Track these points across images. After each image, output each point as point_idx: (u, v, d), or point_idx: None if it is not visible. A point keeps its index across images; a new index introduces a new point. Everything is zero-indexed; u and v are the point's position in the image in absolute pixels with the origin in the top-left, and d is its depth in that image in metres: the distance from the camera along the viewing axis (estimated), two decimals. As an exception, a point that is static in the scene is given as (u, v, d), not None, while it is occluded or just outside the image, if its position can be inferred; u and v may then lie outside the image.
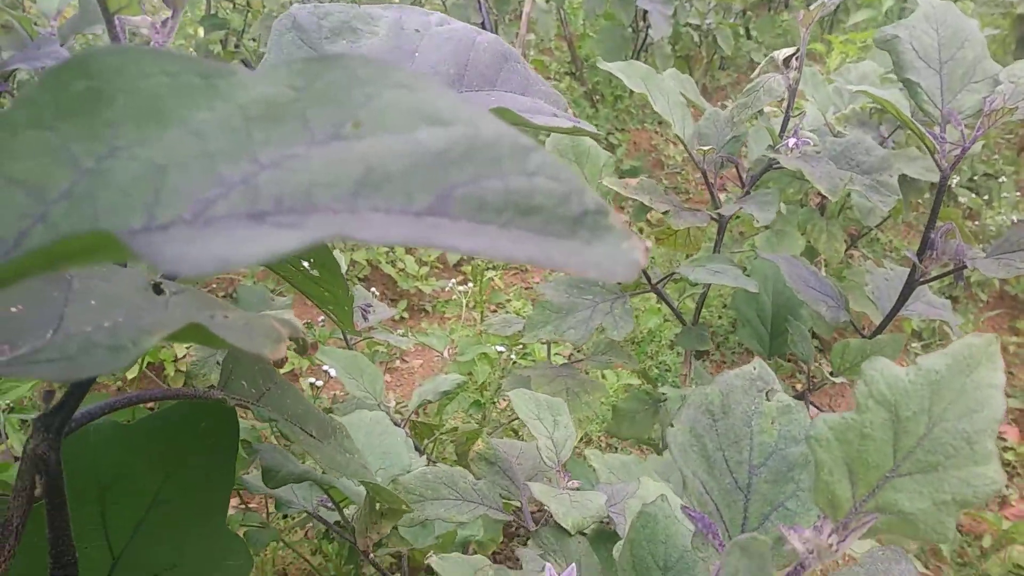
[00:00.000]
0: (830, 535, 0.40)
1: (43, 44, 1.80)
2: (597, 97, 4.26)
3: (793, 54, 1.18)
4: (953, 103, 0.98)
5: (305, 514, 0.94)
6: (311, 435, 0.52)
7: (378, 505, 0.70)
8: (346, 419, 0.86)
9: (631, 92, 4.42)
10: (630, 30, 3.87)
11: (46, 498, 0.40)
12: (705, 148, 1.13)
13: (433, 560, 0.69)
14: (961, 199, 2.45)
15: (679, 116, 1.16)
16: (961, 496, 0.38)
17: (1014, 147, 3.08)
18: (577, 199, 0.24)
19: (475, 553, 0.90)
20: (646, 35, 3.84)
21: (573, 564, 0.62)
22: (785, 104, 1.15)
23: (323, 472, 0.63)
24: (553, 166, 0.25)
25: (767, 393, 0.48)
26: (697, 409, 0.47)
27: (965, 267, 0.95)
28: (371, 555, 0.76)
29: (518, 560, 0.71)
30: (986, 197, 2.69)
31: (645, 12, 3.63)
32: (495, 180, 0.23)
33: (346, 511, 0.87)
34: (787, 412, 0.46)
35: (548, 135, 1.13)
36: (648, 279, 1.24)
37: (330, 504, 0.87)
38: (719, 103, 3.86)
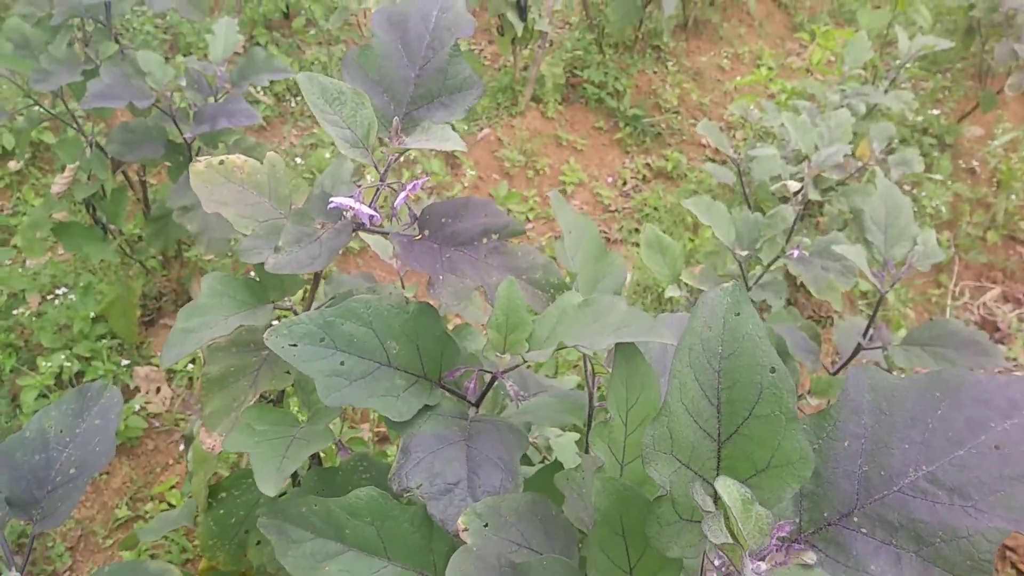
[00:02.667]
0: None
1: (231, 101, 2.38)
2: (606, 44, 4.80)
3: (799, 190, 1.88)
4: (890, 253, 1.71)
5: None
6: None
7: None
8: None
9: (636, 39, 4.96)
10: (639, 1, 4.41)
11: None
12: (742, 253, 1.85)
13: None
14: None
15: (724, 229, 1.87)
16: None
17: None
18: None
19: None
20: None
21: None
22: (791, 226, 1.86)
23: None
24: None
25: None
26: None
27: (887, 348, 1.71)
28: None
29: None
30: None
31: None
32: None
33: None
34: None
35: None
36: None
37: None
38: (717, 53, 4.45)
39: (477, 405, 1.03)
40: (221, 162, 1.11)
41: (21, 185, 3.50)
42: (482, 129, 4.18)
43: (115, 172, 2.49)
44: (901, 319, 3.34)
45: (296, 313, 1.13)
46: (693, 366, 0.64)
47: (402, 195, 0.98)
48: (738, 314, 0.64)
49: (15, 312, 2.74)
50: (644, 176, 4.19)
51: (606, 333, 0.88)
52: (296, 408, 2.14)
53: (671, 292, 1.78)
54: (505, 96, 4.39)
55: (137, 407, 2.56)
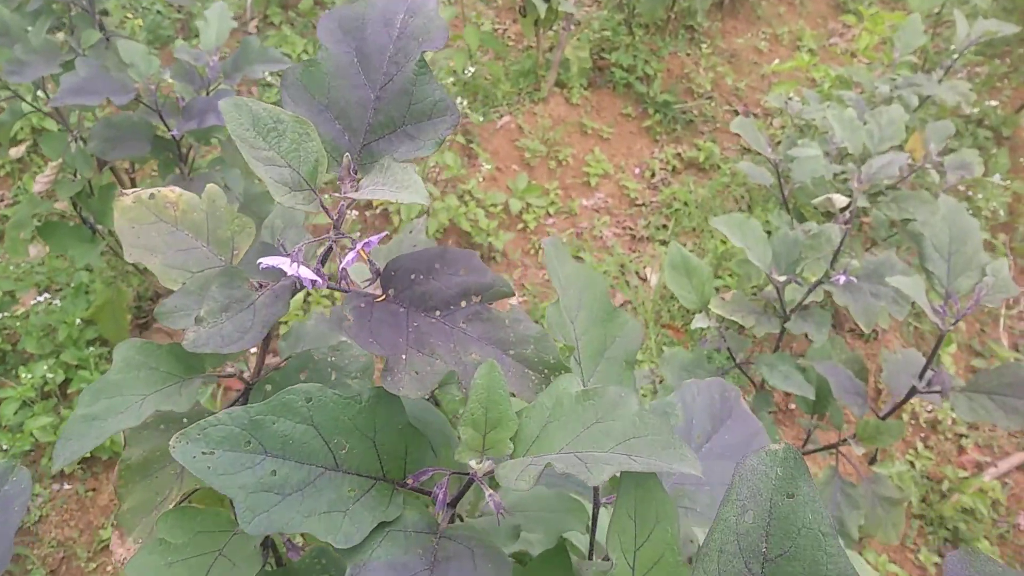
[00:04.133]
0: None
1: (222, 95, 2.19)
2: (636, 25, 4.53)
3: (847, 206, 1.65)
4: (954, 285, 1.48)
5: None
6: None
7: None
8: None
9: (668, 19, 4.68)
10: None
11: None
12: (781, 279, 1.62)
13: None
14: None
15: (760, 251, 1.64)
16: None
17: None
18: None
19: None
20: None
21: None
22: (837, 246, 1.63)
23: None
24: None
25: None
26: None
27: (947, 394, 1.48)
28: None
29: None
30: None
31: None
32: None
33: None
34: None
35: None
36: (734, 359, 1.77)
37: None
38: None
39: (453, 505, 0.83)
40: (151, 196, 0.92)
41: (22, 174, 3.36)
42: (502, 116, 3.95)
43: (101, 169, 2.32)
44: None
45: (246, 382, 0.94)
46: (724, 573, 0.44)
47: (351, 255, 0.77)
48: (791, 495, 0.44)
49: (2, 315, 2.60)
50: (674, 167, 3.95)
51: (609, 442, 0.68)
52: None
53: (698, 323, 1.57)
54: (527, 81, 4.15)
55: (125, 420, 2.40)
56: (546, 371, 0.79)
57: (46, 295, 2.59)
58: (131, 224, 0.90)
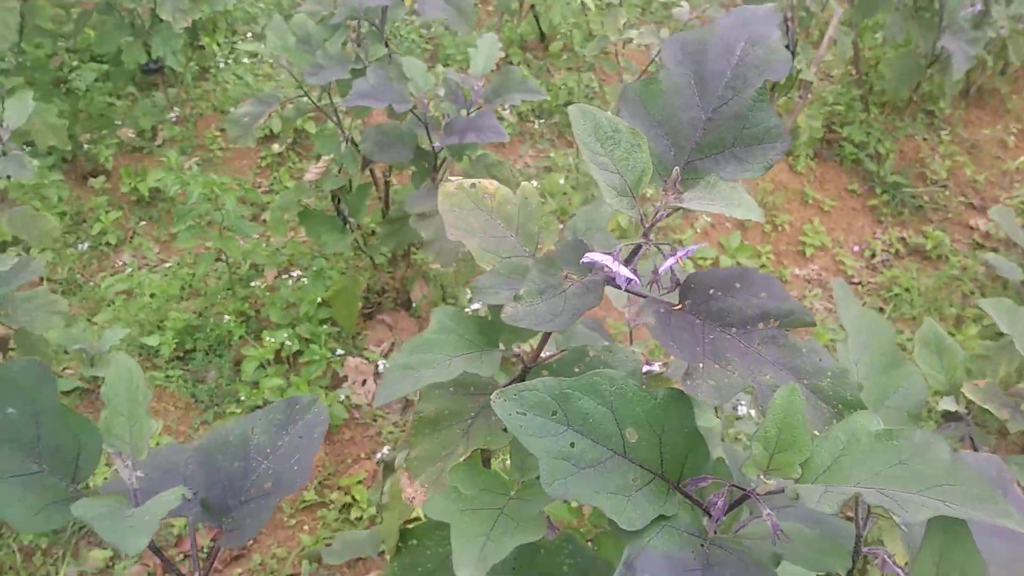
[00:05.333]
0: None
1: (483, 116, 2.35)
2: (872, 102, 4.39)
3: None
4: None
5: None
6: None
7: None
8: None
9: (909, 100, 4.48)
10: (923, 60, 3.96)
11: None
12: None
13: None
14: None
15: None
16: None
17: None
18: None
19: None
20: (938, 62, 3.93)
21: None
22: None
23: None
24: None
25: None
26: None
27: None
28: None
29: None
30: None
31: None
32: None
33: None
34: None
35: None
36: (976, 449, 1.65)
37: None
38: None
39: (717, 519, 0.85)
40: (473, 185, 1.02)
41: (280, 167, 3.76)
42: (722, 175, 3.94)
43: (363, 169, 2.57)
44: None
45: (524, 363, 1.02)
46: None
47: (671, 260, 0.82)
48: None
49: (252, 284, 2.92)
50: (897, 251, 3.75)
51: (917, 485, 0.67)
52: (506, 462, 2.04)
53: (946, 405, 1.48)
54: (752, 143, 4.11)
55: (342, 396, 2.61)
56: (840, 406, 0.80)
57: (297, 272, 2.88)
58: (452, 208, 1.01)
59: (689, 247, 0.84)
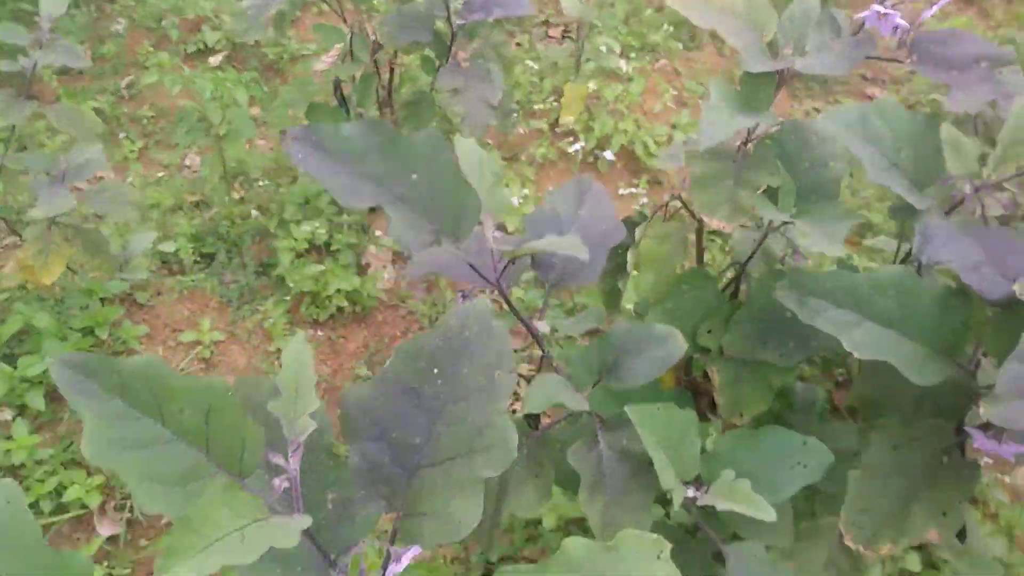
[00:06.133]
0: None
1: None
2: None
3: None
4: None
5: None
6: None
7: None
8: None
9: None
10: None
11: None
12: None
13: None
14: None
15: None
16: None
17: None
18: None
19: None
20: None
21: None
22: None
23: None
24: None
25: None
26: None
27: None
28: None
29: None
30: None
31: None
32: None
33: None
34: None
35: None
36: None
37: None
38: None
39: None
40: (702, -10, 1.24)
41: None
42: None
43: (373, 55, 2.64)
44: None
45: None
46: None
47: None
48: None
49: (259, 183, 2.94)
50: None
51: None
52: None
53: None
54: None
55: (380, 281, 2.74)
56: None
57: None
58: (689, 5, 1.22)
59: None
